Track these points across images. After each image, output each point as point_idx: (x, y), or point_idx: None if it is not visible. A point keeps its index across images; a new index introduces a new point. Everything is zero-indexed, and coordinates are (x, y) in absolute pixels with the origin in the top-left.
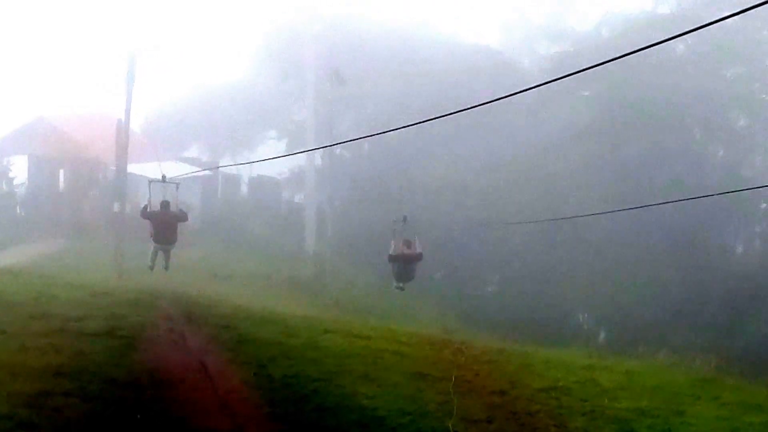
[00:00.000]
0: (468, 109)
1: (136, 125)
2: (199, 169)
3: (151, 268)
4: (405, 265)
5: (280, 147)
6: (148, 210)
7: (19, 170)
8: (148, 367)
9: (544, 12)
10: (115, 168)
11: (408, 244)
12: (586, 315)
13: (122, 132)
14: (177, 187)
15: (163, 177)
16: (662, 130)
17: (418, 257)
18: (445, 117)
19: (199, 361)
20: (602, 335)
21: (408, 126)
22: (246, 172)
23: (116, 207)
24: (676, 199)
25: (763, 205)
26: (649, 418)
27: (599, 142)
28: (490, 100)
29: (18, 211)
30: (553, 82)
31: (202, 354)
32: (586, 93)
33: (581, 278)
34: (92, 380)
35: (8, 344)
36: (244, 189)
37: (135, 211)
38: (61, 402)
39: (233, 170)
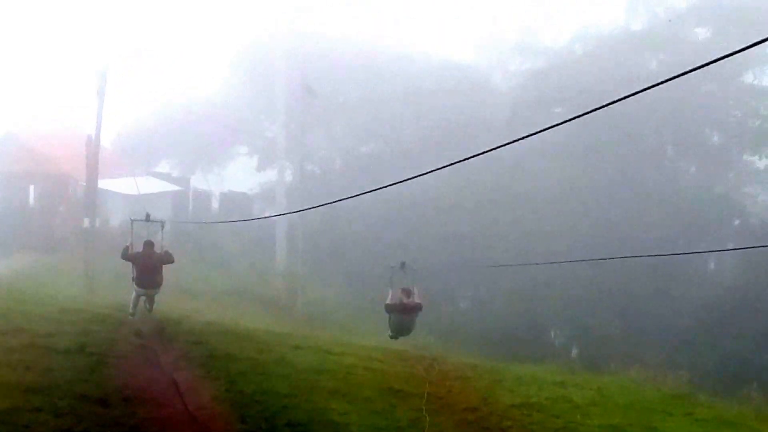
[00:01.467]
0: (467, 159)
1: (106, 141)
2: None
3: (133, 315)
4: (403, 317)
5: (251, 163)
6: (130, 251)
7: None
8: (118, 384)
9: (518, 28)
10: (85, 183)
11: (407, 293)
12: (558, 332)
13: (92, 148)
14: (162, 227)
15: (147, 216)
16: (636, 147)
17: (418, 308)
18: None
19: (169, 377)
20: (574, 351)
21: (409, 179)
22: (217, 188)
23: (87, 223)
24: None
25: (736, 222)
26: None
27: (572, 160)
28: (498, 145)
29: None
30: (526, 98)
31: (173, 370)
32: (558, 110)
33: (554, 295)
34: (63, 396)
35: None
36: (215, 205)
37: (105, 226)
38: (31, 418)
39: (204, 186)
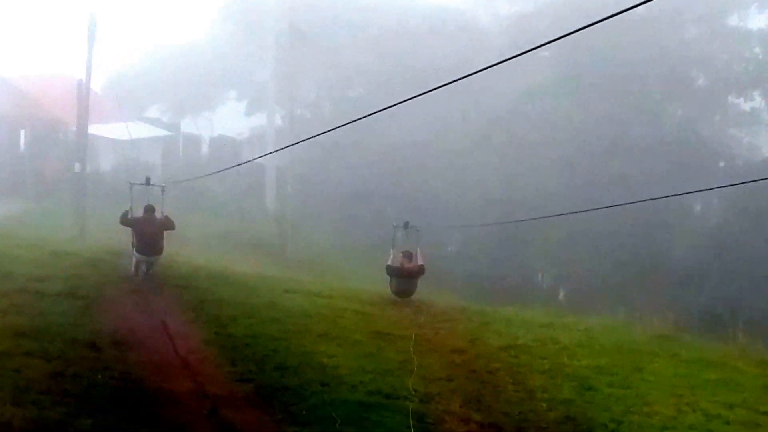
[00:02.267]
0: (455, 81)
1: (96, 86)
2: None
3: (136, 275)
4: (404, 280)
5: (240, 107)
6: (130, 216)
7: None
8: (109, 328)
9: None
10: (76, 128)
11: (409, 257)
12: (545, 275)
13: (83, 92)
14: (162, 191)
15: (147, 180)
16: (621, 90)
17: (420, 271)
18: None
19: (160, 322)
20: (561, 294)
21: (393, 105)
22: (206, 133)
23: (77, 167)
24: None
25: (721, 164)
26: (608, 375)
27: (558, 103)
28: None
29: None
30: (515, 42)
31: (163, 314)
32: (546, 54)
33: (541, 238)
34: (53, 340)
35: None
36: (205, 149)
37: (96, 171)
38: (22, 362)
39: (194, 130)
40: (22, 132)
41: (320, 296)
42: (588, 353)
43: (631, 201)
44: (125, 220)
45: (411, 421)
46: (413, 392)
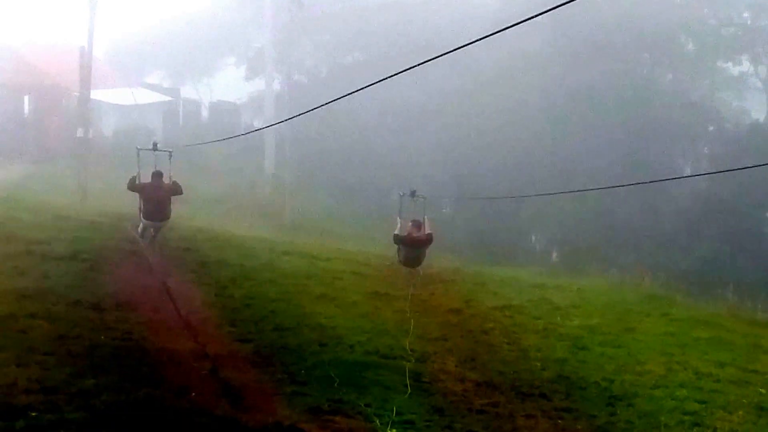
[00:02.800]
0: (455, 50)
1: (98, 52)
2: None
3: (143, 237)
4: (413, 249)
5: (240, 73)
6: (138, 182)
7: None
8: (111, 290)
9: None
10: (78, 94)
11: (418, 225)
12: (539, 236)
13: (85, 59)
14: (170, 156)
15: (154, 145)
16: (613, 55)
17: (428, 240)
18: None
19: (161, 283)
20: (554, 256)
21: (393, 76)
22: (206, 98)
23: (80, 132)
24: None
25: (711, 128)
26: (600, 334)
27: (550, 69)
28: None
29: None
30: (510, 10)
31: (165, 276)
32: (540, 19)
33: (535, 199)
34: (57, 302)
35: None
36: (205, 114)
37: (98, 136)
38: (26, 324)
39: (194, 96)
40: (26, 98)
41: (318, 258)
42: (580, 313)
43: (628, 183)
44: (133, 186)
45: (408, 380)
46: (410, 352)
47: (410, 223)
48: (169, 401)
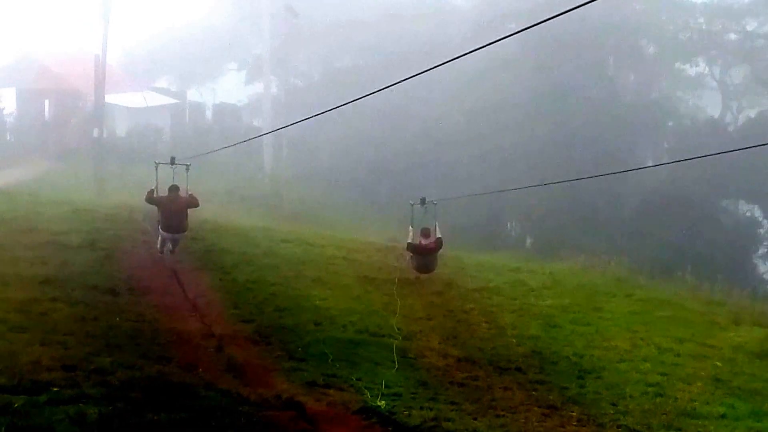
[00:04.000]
0: (452, 60)
1: (111, 60)
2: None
3: (162, 253)
4: (424, 257)
5: (240, 77)
6: (155, 195)
7: (9, 101)
8: (125, 275)
9: None
10: (94, 98)
11: (426, 234)
12: (514, 224)
13: (100, 66)
14: (187, 169)
15: (172, 159)
16: (579, 58)
17: (438, 247)
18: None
19: (170, 269)
20: (528, 241)
21: (387, 87)
22: (210, 100)
23: (95, 133)
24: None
25: (670, 123)
26: (571, 313)
27: (523, 69)
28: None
29: (8, 137)
30: (484, 17)
31: (174, 263)
32: (512, 25)
33: (511, 193)
34: (76, 288)
35: (0, 256)
36: (209, 115)
37: (112, 136)
38: (48, 307)
39: (199, 98)
40: (46, 102)
41: (313, 245)
42: (552, 294)
43: (596, 174)
44: (151, 199)
45: (395, 356)
46: (397, 330)
47: (420, 232)
48: (178, 377)
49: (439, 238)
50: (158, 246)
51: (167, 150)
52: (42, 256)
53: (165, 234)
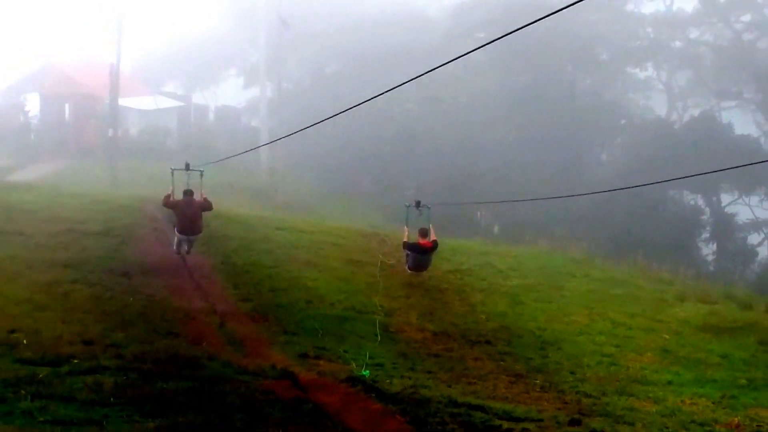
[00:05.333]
0: (440, 66)
1: (125, 67)
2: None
3: (178, 253)
4: (420, 256)
5: (239, 82)
6: (171, 199)
7: (33, 105)
8: (138, 260)
9: None
10: (109, 101)
11: (424, 234)
12: (483, 213)
13: (114, 73)
14: (201, 175)
15: (187, 165)
16: (541, 64)
17: (434, 247)
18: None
19: (178, 254)
20: (496, 228)
21: (381, 94)
22: (212, 103)
23: (111, 132)
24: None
25: (623, 122)
26: (534, 292)
27: (491, 75)
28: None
29: (32, 137)
30: (455, 27)
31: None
32: (481, 35)
33: (482, 183)
34: (93, 270)
35: (26, 243)
36: (211, 116)
37: (125, 135)
38: (68, 288)
39: (202, 101)
40: (66, 105)
41: (304, 232)
42: (518, 275)
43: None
44: (167, 203)
45: (378, 330)
46: (379, 307)
47: (418, 233)
48: (185, 350)
49: (435, 240)
50: (174, 247)
51: (175, 147)
52: (63, 243)
53: (181, 236)
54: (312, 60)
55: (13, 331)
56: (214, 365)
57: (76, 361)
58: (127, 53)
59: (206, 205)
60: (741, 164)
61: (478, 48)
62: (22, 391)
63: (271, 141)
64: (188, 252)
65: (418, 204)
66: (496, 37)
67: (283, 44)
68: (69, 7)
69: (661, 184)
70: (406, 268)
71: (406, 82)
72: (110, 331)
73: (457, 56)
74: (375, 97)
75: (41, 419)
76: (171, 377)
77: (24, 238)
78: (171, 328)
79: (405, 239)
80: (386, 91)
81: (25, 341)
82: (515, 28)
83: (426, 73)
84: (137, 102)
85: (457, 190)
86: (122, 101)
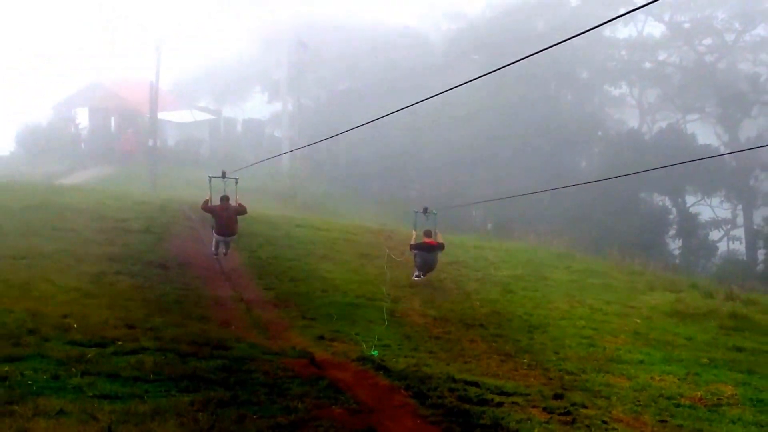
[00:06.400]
0: (449, 90)
1: (163, 85)
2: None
3: (216, 255)
4: (427, 254)
5: (263, 98)
6: (210, 204)
7: (83, 118)
8: (174, 253)
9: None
10: (149, 115)
11: (429, 234)
12: (477, 211)
13: (153, 90)
14: (236, 183)
15: (223, 173)
16: (528, 82)
17: (441, 246)
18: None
19: (209, 247)
20: (489, 225)
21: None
22: (240, 116)
23: (150, 142)
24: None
25: (599, 133)
26: (522, 281)
27: (487, 92)
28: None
29: (82, 146)
30: (453, 50)
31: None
32: (476, 57)
33: (477, 187)
34: (135, 263)
35: (76, 239)
36: (239, 128)
37: (164, 145)
38: (113, 279)
39: (231, 114)
40: (112, 118)
41: (321, 230)
42: (508, 266)
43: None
44: (206, 208)
45: (385, 315)
46: (387, 295)
47: (423, 233)
48: (215, 332)
49: (442, 243)
50: (212, 249)
51: (207, 155)
52: (108, 239)
53: (218, 237)
54: (327, 79)
55: (65, 317)
56: (241, 346)
57: (120, 342)
58: (165, 72)
59: (241, 210)
60: (702, 169)
61: (480, 77)
62: (73, 369)
63: (292, 150)
64: (225, 253)
65: (425, 210)
66: (494, 69)
67: (303, 65)
68: (115, 32)
69: (633, 188)
70: (414, 277)
71: (415, 104)
72: (150, 316)
73: (460, 83)
74: (385, 116)
75: (90, 394)
76: (203, 357)
77: (74, 234)
78: (203, 313)
79: (412, 242)
80: (396, 111)
81: (75, 325)
82: (510, 62)
83: (431, 97)
84: (174, 115)
85: (455, 193)
86: (161, 115)
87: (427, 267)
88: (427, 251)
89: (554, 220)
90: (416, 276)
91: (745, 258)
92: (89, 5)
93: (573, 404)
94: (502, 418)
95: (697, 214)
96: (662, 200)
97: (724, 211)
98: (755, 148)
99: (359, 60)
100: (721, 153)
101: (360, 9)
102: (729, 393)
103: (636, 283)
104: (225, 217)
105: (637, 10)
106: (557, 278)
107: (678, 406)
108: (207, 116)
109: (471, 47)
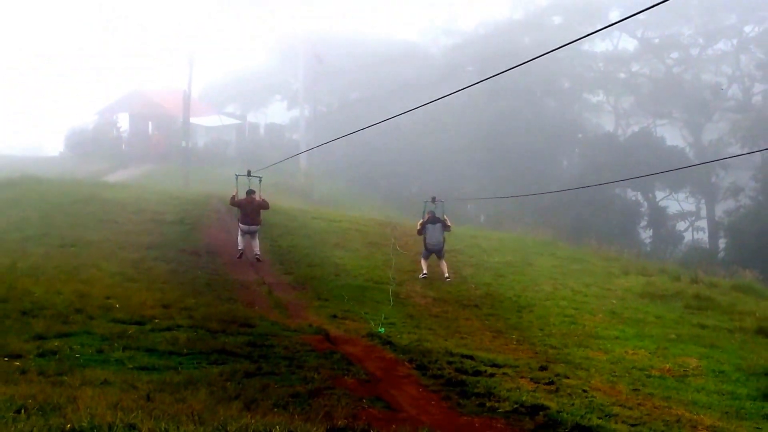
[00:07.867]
0: (454, 92)
1: (194, 93)
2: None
3: (241, 251)
4: (433, 225)
5: (283, 105)
6: (236, 199)
7: (123, 122)
8: (205, 242)
9: (445, 17)
10: (182, 120)
11: (431, 214)
12: (472, 205)
13: (186, 97)
14: (260, 181)
15: (249, 172)
16: (515, 90)
17: (446, 223)
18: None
19: (235, 238)
20: (482, 218)
21: (387, 120)
22: (263, 121)
23: (183, 144)
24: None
25: (580, 135)
26: (512, 267)
27: (480, 100)
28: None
29: (123, 147)
30: (450, 62)
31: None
32: (470, 68)
33: (472, 183)
34: (170, 251)
35: (119, 229)
36: (262, 132)
37: (195, 146)
38: (151, 264)
39: (255, 120)
40: (150, 122)
41: (334, 221)
42: (499, 254)
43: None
44: (233, 202)
45: (391, 297)
46: (392, 279)
47: (427, 215)
48: (241, 312)
49: (449, 225)
50: (239, 246)
51: (233, 156)
52: (146, 229)
53: (243, 227)
54: (340, 88)
55: (108, 298)
56: (264, 324)
57: (157, 320)
58: (197, 82)
59: (264, 205)
60: (671, 168)
61: (475, 84)
62: (115, 344)
63: (308, 149)
64: (257, 254)
65: (433, 199)
66: (486, 77)
67: (318, 76)
68: (152, 46)
69: (609, 185)
70: (421, 276)
71: (415, 108)
72: (184, 297)
73: (457, 89)
74: (391, 118)
75: (130, 366)
76: (231, 333)
77: (117, 225)
78: (231, 295)
79: (419, 227)
80: (398, 115)
81: (117, 305)
82: (499, 71)
83: (432, 101)
84: (204, 120)
85: (452, 189)
86: (192, 119)
87: (435, 247)
88: (433, 223)
89: (540, 213)
90: (423, 275)
91: (707, 246)
92: (132, 24)
93: (557, 375)
94: (494, 387)
95: (665, 208)
96: (635, 195)
97: (689, 204)
98: (723, 159)
99: (368, 71)
100: (693, 164)
101: (368, 26)
102: (694, 365)
103: (612, 268)
104: (250, 210)
105: (612, 26)
106: (542, 264)
107: (649, 376)
108: (233, 121)
109: (466, 60)
